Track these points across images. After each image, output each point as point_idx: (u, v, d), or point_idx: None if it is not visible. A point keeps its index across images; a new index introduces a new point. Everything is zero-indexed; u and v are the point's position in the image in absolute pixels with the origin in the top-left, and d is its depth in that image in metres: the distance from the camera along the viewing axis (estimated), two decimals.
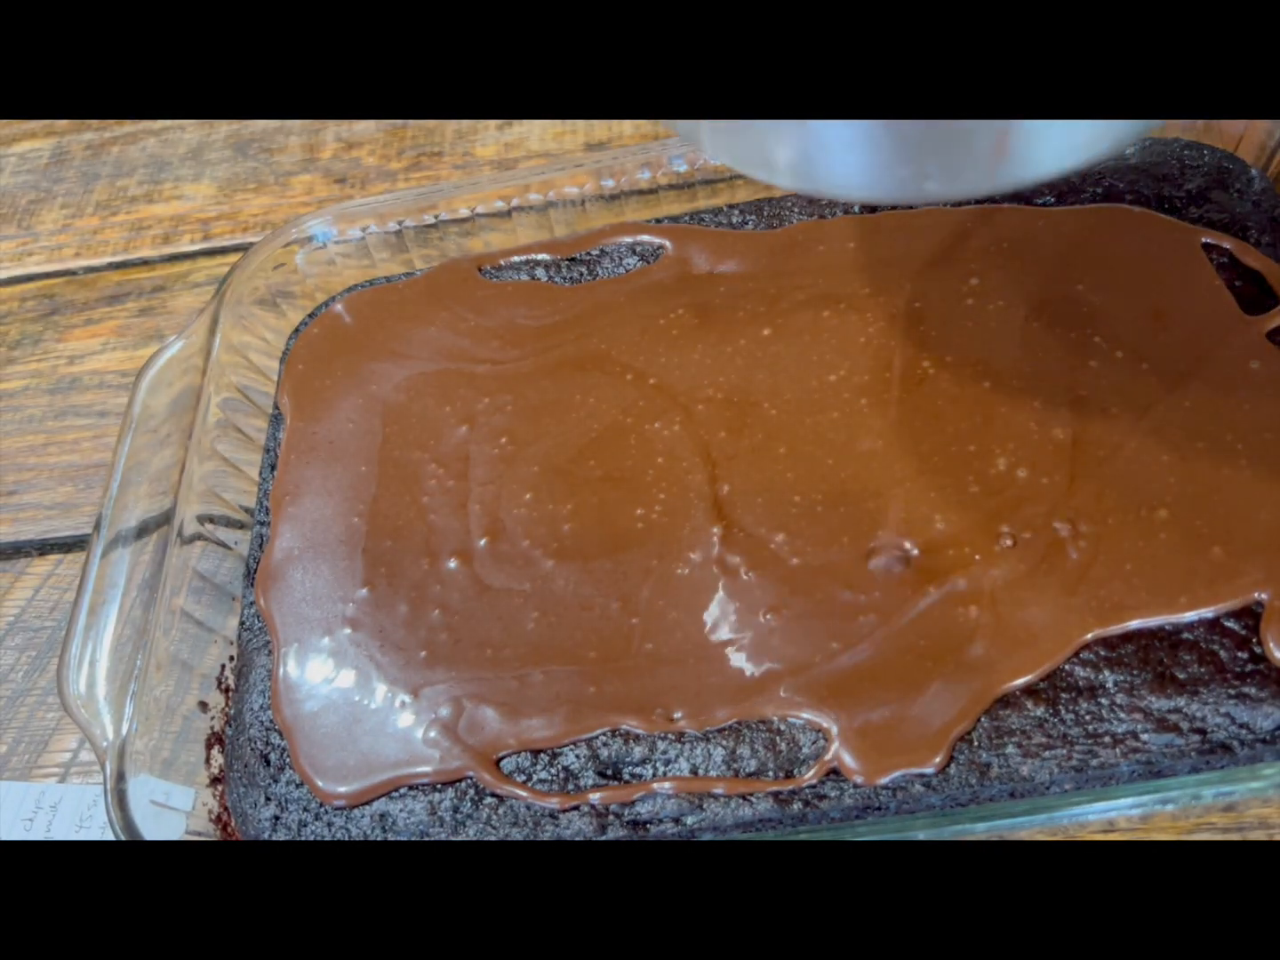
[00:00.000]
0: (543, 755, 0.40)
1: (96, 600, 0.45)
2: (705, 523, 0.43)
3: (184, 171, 0.76)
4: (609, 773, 0.39)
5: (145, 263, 0.71)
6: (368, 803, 0.40)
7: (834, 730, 0.38)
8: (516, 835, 0.39)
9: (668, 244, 0.53)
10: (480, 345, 0.51)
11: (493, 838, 0.39)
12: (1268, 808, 0.41)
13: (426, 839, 0.39)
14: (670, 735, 0.39)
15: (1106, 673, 0.37)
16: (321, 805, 0.40)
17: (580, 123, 0.71)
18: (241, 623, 0.46)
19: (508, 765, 0.40)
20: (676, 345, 0.49)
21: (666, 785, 0.38)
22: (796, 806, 0.37)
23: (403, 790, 0.40)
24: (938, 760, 0.37)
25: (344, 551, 0.46)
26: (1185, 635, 0.37)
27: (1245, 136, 0.50)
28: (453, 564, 0.44)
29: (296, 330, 0.56)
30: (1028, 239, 0.48)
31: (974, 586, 0.39)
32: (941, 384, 0.45)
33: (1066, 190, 0.49)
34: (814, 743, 0.38)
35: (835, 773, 0.37)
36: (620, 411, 0.47)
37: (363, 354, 0.52)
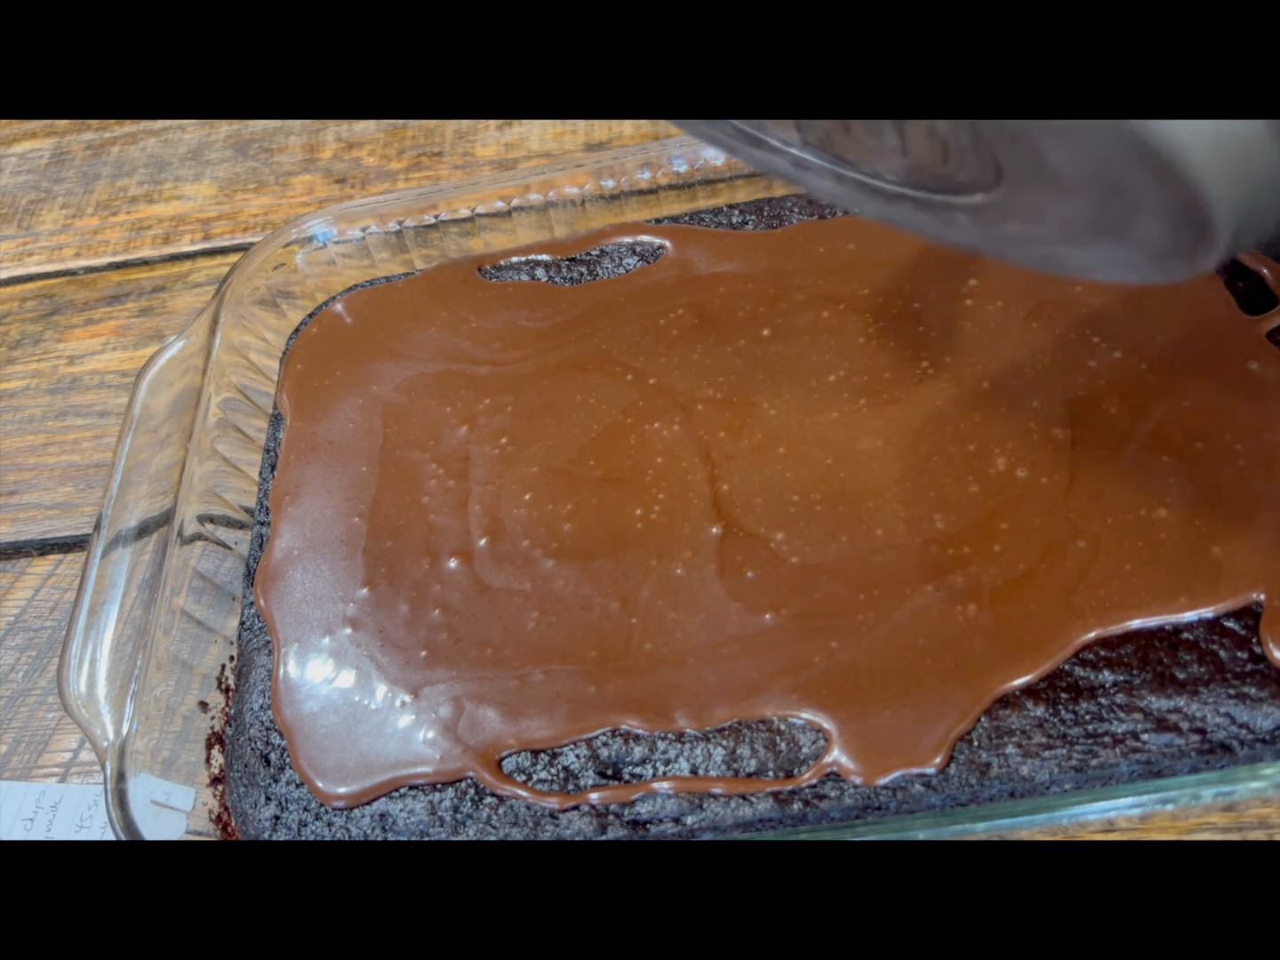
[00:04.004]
0: (543, 755, 0.40)
1: (97, 600, 0.45)
2: (705, 522, 0.43)
3: (184, 171, 0.76)
4: (609, 772, 0.39)
5: (145, 263, 0.71)
6: (368, 803, 0.40)
7: (834, 730, 0.38)
8: (516, 835, 0.39)
9: (668, 244, 0.53)
10: (481, 346, 0.51)
11: (493, 838, 0.39)
12: (1268, 808, 0.41)
13: (426, 839, 0.39)
14: (670, 735, 0.39)
15: (1106, 673, 0.37)
16: (321, 805, 0.40)
17: (580, 123, 0.71)
18: (242, 623, 0.46)
19: (508, 765, 0.40)
20: (676, 345, 0.49)
21: (666, 785, 0.38)
22: (796, 806, 0.37)
23: (403, 790, 0.40)
24: (938, 760, 0.37)
25: (344, 551, 0.46)
26: (1185, 635, 0.37)
27: None
28: (453, 564, 0.44)
29: (296, 330, 0.56)
30: None
31: (974, 586, 0.39)
32: (941, 384, 0.45)
33: None
34: (814, 742, 0.38)
35: (835, 773, 0.37)
36: (620, 411, 0.47)
37: (363, 354, 0.52)
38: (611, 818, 0.38)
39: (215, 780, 0.44)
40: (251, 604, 0.46)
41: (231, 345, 0.54)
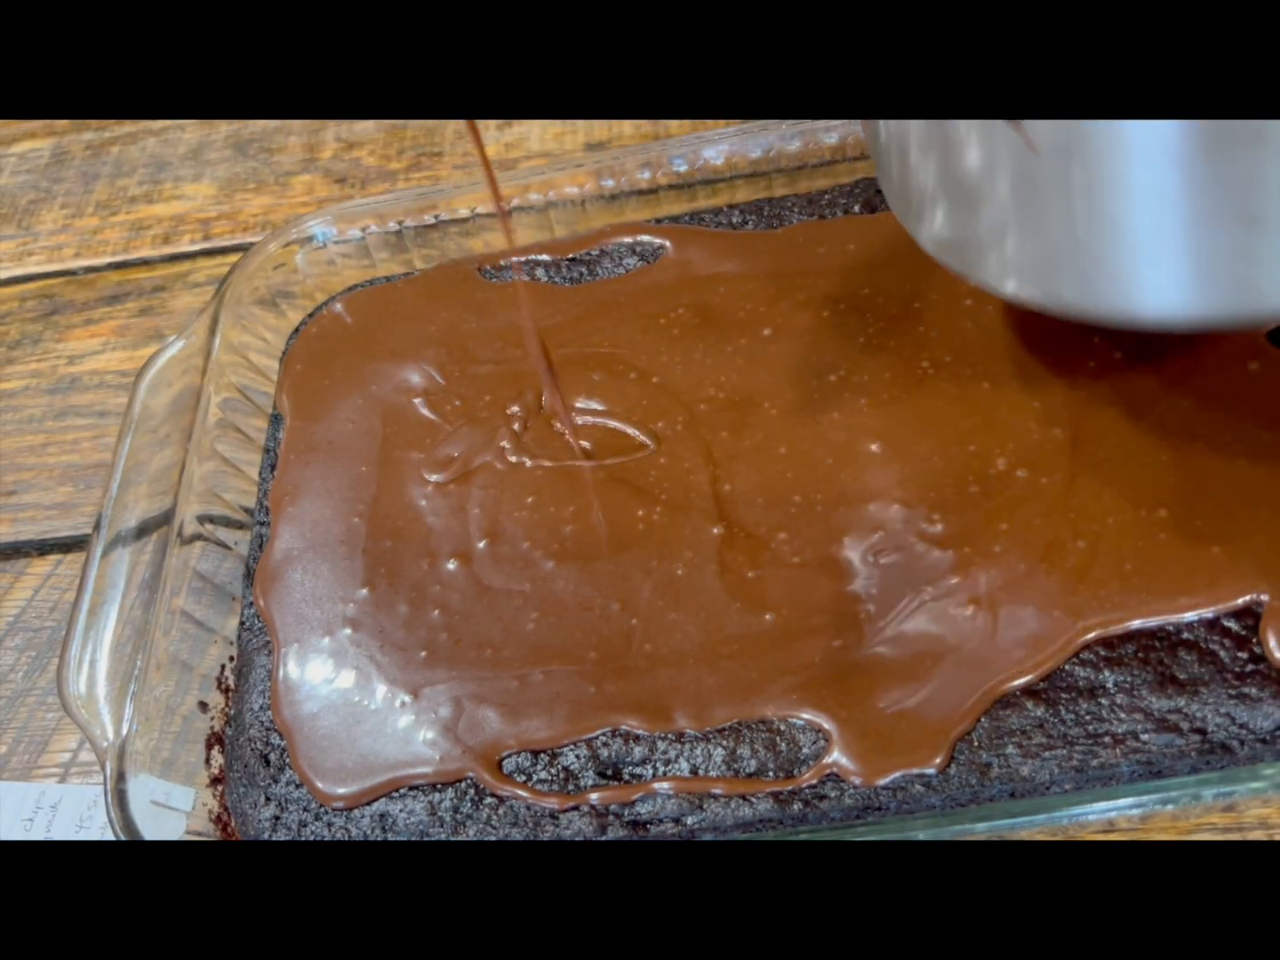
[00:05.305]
0: (543, 755, 0.40)
1: (96, 600, 0.45)
2: (706, 523, 0.43)
3: (184, 171, 0.76)
4: (609, 773, 0.39)
5: (145, 263, 0.71)
6: (367, 803, 0.40)
7: (834, 730, 0.38)
8: (516, 835, 0.39)
9: (668, 244, 0.53)
10: (481, 345, 0.51)
11: (493, 838, 0.39)
12: (1268, 808, 0.41)
13: (426, 839, 0.39)
14: (670, 735, 0.39)
15: (1106, 673, 0.37)
16: (321, 806, 0.40)
17: (580, 123, 0.71)
18: (241, 623, 0.46)
19: (508, 765, 0.40)
20: (678, 344, 0.49)
21: (666, 785, 0.38)
22: (796, 807, 0.37)
23: (403, 790, 0.40)
24: (938, 761, 0.37)
25: (344, 552, 0.46)
26: (1185, 635, 0.37)
27: None
28: (452, 565, 0.44)
29: (296, 330, 0.56)
30: None
31: (974, 586, 0.39)
32: (941, 384, 0.44)
33: None
34: (814, 743, 0.38)
35: (835, 773, 0.37)
36: (623, 412, 0.47)
37: (362, 354, 0.52)
38: (611, 818, 0.38)
39: (215, 780, 0.44)
40: (251, 604, 0.46)
41: (231, 345, 0.54)
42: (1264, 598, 0.37)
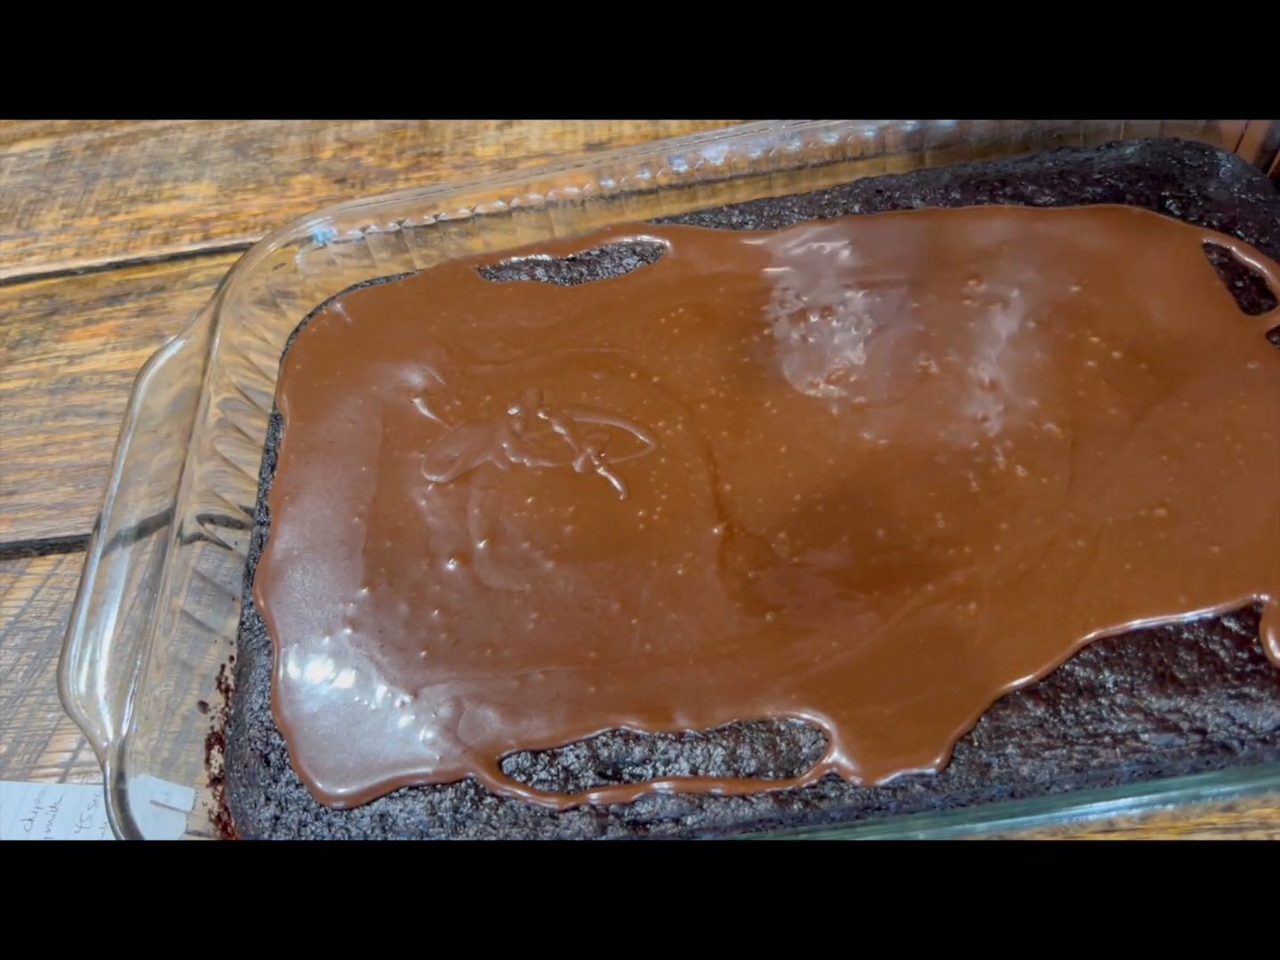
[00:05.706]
0: (543, 755, 0.40)
1: (96, 600, 0.45)
2: (706, 523, 0.43)
3: (184, 171, 0.76)
4: (609, 773, 0.39)
5: (145, 263, 0.71)
6: (367, 803, 0.40)
7: (834, 730, 0.38)
8: (516, 835, 0.39)
9: (668, 244, 0.53)
10: (481, 345, 0.51)
11: (493, 838, 0.39)
12: (1267, 808, 0.41)
13: (426, 839, 0.39)
14: (670, 735, 0.39)
15: (1106, 673, 0.37)
16: (321, 806, 0.40)
17: (580, 123, 0.71)
18: (241, 623, 0.46)
19: (508, 765, 0.40)
20: (679, 344, 0.49)
21: (666, 785, 0.38)
22: (796, 806, 0.37)
23: (403, 790, 0.40)
24: (938, 760, 0.37)
25: (344, 551, 0.46)
26: (1185, 635, 0.37)
27: (1245, 136, 0.50)
28: (452, 565, 0.44)
29: (296, 330, 0.56)
30: (1028, 239, 0.48)
31: (974, 586, 0.39)
32: (941, 384, 0.45)
33: (1067, 190, 0.49)
34: (814, 743, 0.38)
35: (835, 773, 0.37)
36: (624, 411, 0.47)
37: (362, 354, 0.52)
38: (611, 818, 0.38)
39: (215, 780, 0.44)
40: (251, 604, 0.46)
41: (231, 345, 0.54)
42: (1264, 598, 0.37)
